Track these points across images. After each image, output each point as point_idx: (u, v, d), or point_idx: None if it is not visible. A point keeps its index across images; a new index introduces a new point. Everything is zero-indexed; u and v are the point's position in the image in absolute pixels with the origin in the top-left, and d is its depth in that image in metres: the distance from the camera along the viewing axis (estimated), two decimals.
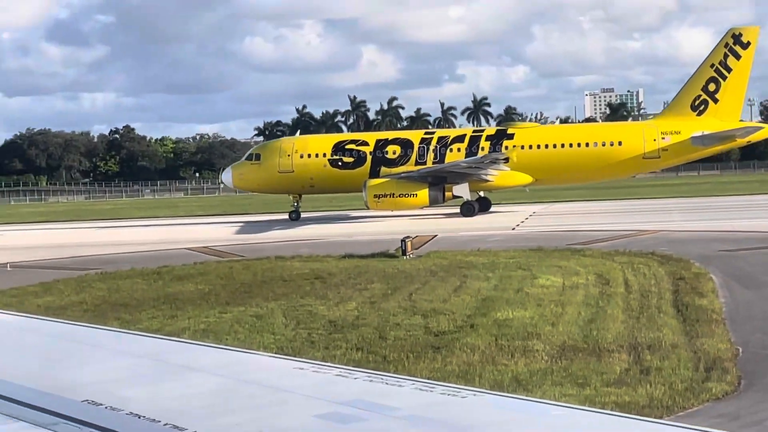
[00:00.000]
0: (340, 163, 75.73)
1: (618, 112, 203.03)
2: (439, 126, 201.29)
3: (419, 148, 77.50)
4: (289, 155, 77.58)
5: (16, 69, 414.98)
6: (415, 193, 71.53)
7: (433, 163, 74.50)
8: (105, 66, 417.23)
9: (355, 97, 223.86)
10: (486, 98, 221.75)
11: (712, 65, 75.66)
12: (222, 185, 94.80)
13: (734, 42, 76.24)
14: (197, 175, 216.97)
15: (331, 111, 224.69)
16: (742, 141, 79.36)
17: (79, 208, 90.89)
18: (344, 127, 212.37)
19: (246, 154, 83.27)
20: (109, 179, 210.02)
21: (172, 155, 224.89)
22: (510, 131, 79.20)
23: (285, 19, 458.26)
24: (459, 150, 76.21)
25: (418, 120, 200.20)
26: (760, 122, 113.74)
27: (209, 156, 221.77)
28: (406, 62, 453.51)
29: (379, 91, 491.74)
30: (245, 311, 24.88)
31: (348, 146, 78.37)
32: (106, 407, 3.43)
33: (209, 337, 21.18)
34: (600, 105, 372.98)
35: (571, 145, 76.10)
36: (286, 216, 73.17)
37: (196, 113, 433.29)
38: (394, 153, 77.11)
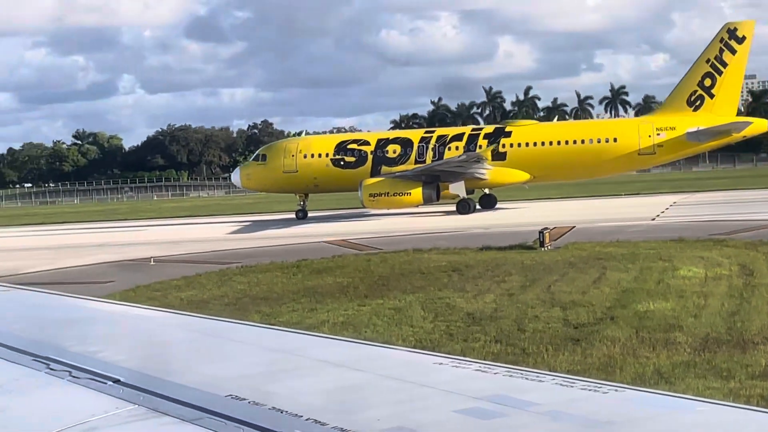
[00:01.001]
0: (342, 163, 77.14)
1: (760, 99, 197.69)
2: (576, 116, 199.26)
3: (419, 147, 78.78)
4: (293, 156, 79.27)
5: (158, 66, 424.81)
6: (409, 191, 72.73)
7: (432, 161, 75.25)
8: (243, 61, 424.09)
9: (491, 88, 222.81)
10: (624, 87, 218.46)
11: (708, 60, 75.24)
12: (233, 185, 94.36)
13: (729, 37, 75.64)
14: None
15: (467, 103, 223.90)
16: (738, 136, 78.22)
17: (219, 203, 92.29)
18: (480, 119, 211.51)
19: (253, 155, 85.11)
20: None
21: None
22: (508, 129, 79.39)
23: (421, 11, 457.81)
24: (457, 148, 76.87)
25: (554, 110, 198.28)
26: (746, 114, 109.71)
27: None
28: (543, 52, 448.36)
29: (515, 82, 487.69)
30: (383, 304, 24.98)
31: (350, 146, 79.48)
32: (249, 402, 3.47)
33: (348, 329, 21.34)
34: (742, 92, 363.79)
35: (567, 143, 76.54)
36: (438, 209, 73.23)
37: (333, 107, 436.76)
38: (395, 152, 78.43)
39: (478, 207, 73.25)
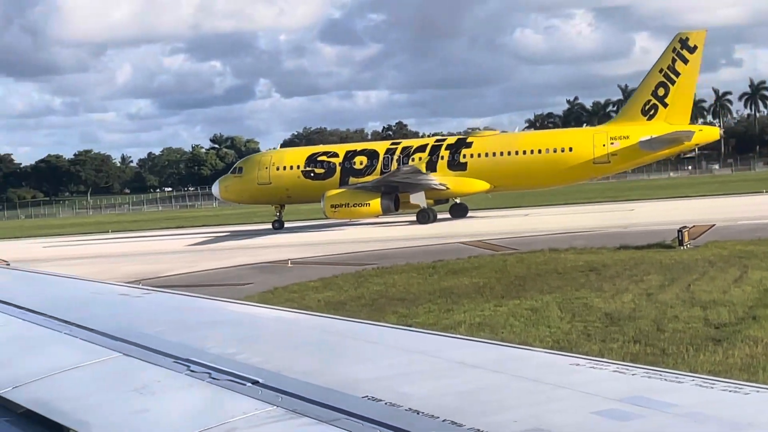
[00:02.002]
0: (312, 174, 79.86)
1: None
2: (713, 113, 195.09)
3: (384, 158, 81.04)
4: (266, 168, 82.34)
5: (293, 70, 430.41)
6: (368, 202, 74.83)
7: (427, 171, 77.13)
8: (378, 64, 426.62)
9: (626, 86, 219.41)
10: (764, 82, 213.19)
11: (661, 70, 76.30)
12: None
13: (681, 46, 76.82)
14: None
15: (602, 101, 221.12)
16: (690, 144, 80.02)
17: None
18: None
19: (231, 168, 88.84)
20: None
21: None
22: (469, 140, 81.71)
23: (556, 10, 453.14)
24: (420, 159, 79.39)
25: (692, 106, 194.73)
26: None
27: None
28: None
29: None
30: (520, 304, 24.84)
31: (320, 158, 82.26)
32: (386, 403, 3.49)
33: (485, 330, 21.29)
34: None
35: (524, 152, 78.31)
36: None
37: (467, 107, 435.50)
38: (361, 164, 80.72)
39: (448, 216, 76.17)
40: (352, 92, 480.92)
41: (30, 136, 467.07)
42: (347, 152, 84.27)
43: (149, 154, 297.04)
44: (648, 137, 75.20)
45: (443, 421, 3.25)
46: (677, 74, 76.40)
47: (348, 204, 75.81)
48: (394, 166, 79.08)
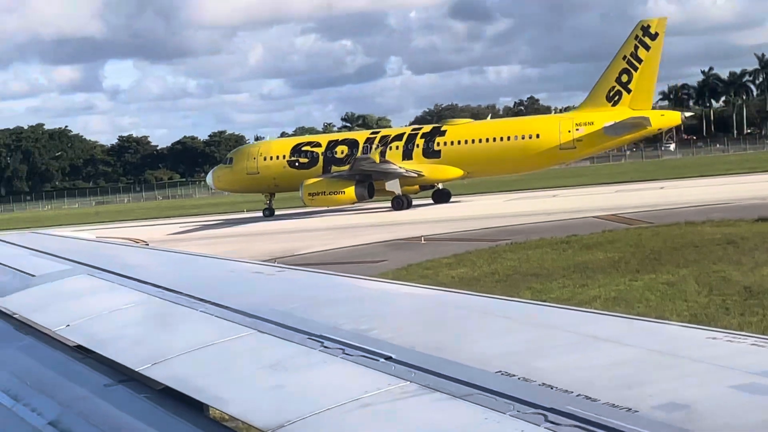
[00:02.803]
0: (296, 164, 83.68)
1: None
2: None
3: (363, 147, 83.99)
4: (254, 159, 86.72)
5: (424, 47, 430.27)
6: (343, 190, 78.30)
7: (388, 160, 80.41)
8: (509, 39, 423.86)
9: (763, 55, 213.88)
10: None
11: (624, 57, 78.60)
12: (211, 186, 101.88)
13: (643, 34, 78.71)
14: None
15: (738, 71, 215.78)
16: (653, 129, 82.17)
17: (487, 180, 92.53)
18: (753, 87, 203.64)
19: (224, 159, 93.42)
20: None
21: None
22: (443, 128, 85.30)
23: None
24: (397, 148, 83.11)
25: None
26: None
27: None
28: None
29: None
30: (656, 278, 24.46)
31: (304, 148, 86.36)
32: (519, 378, 3.47)
33: (620, 305, 21.03)
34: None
35: (494, 140, 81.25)
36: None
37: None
38: (342, 153, 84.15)
39: (430, 202, 79.29)
40: (483, 68, 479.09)
41: (166, 119, 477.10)
42: (329, 142, 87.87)
43: (282, 133, 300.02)
44: (611, 123, 77.20)
45: (577, 395, 3.22)
46: (640, 61, 78.33)
47: (324, 192, 79.35)
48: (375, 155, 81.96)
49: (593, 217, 45.94)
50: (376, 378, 3.71)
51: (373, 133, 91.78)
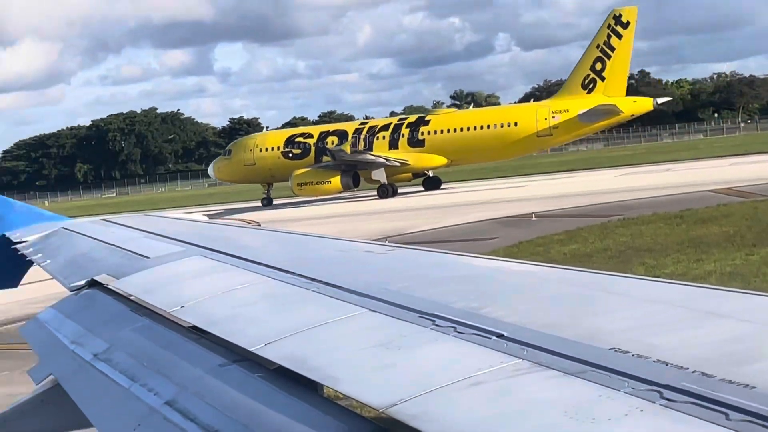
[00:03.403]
0: (290, 155, 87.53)
1: None
2: None
3: (352, 137, 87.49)
4: (251, 150, 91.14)
5: (533, 23, 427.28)
6: (329, 180, 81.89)
7: (363, 150, 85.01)
8: None
9: None
10: None
11: (598, 46, 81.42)
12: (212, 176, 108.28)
13: (616, 23, 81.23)
14: (716, 115, 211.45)
15: None
16: (626, 115, 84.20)
17: (597, 156, 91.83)
18: None
19: (224, 150, 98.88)
20: (626, 126, 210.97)
21: (689, 97, 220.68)
22: (427, 118, 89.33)
23: None
24: (384, 138, 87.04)
25: None
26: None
27: (727, 95, 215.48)
28: None
29: None
30: None
31: (297, 139, 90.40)
32: (633, 355, 3.43)
33: (736, 280, 20.67)
34: None
35: (475, 128, 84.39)
36: None
37: (713, 52, 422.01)
38: (333, 143, 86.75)
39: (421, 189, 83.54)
40: None
41: (276, 100, 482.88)
42: (320, 133, 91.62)
43: (391, 112, 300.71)
44: (585, 110, 79.98)
45: (692, 372, 3.17)
46: (613, 49, 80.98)
47: (312, 182, 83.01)
48: (361, 144, 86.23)
49: (707, 190, 45.18)
50: (488, 356, 3.69)
51: (361, 123, 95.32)
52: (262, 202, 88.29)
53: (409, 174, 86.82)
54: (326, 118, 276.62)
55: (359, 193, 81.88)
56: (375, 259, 6.27)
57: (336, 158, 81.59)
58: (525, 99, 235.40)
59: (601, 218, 36.89)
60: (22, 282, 11.60)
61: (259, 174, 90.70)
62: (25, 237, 11.06)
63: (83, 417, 5.05)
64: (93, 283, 7.39)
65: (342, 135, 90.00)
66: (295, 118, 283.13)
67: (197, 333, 5.25)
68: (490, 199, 59.55)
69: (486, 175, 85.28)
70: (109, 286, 7.07)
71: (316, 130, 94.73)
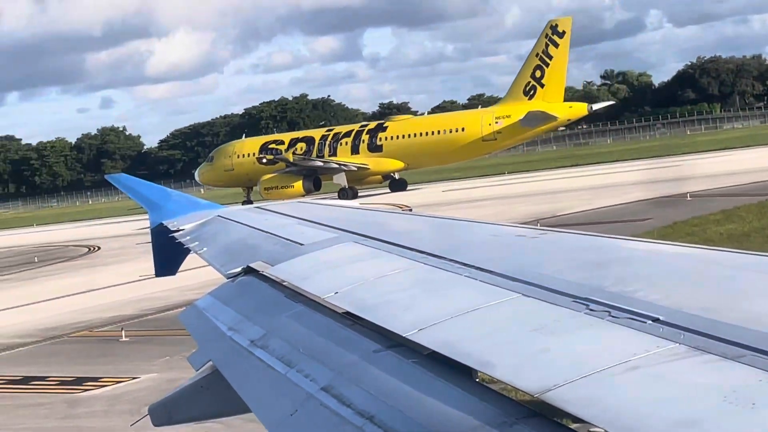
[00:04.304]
0: (264, 161, 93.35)
1: None
2: None
3: (319, 143, 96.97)
4: (230, 156, 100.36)
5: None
6: (292, 185, 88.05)
7: (328, 156, 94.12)
8: None
9: None
10: None
11: (537, 54, 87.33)
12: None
13: (552, 32, 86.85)
14: None
15: None
16: (563, 120, 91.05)
17: (756, 134, 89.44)
18: None
19: (207, 156, 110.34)
20: None
21: None
22: (385, 125, 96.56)
23: None
24: (347, 144, 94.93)
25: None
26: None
27: None
28: None
29: None
30: None
31: (270, 146, 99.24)
32: None
33: None
34: None
35: (427, 134, 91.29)
36: None
37: None
38: (301, 149, 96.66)
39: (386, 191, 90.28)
40: (748, 17, 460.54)
41: (425, 84, 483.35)
42: (291, 140, 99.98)
43: None
44: (523, 115, 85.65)
45: None
46: (550, 57, 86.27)
47: (277, 186, 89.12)
48: (326, 150, 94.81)
49: None
50: (644, 340, 3.64)
51: (328, 130, 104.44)
52: (242, 204, 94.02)
53: (379, 177, 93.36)
54: (475, 101, 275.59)
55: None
56: (527, 243, 6.23)
57: (287, 163, 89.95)
58: (678, 77, 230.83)
59: (760, 197, 35.95)
60: (180, 269, 11.88)
61: (238, 178, 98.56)
62: (182, 225, 11.31)
63: (242, 402, 5.15)
64: (248, 270, 7.52)
65: (310, 141, 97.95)
66: (444, 101, 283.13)
67: (351, 319, 5.30)
68: (643, 180, 58.57)
69: (639, 155, 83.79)
70: (264, 273, 7.18)
71: (287, 137, 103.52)
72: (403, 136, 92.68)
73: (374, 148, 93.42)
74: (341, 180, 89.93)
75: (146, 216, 12.63)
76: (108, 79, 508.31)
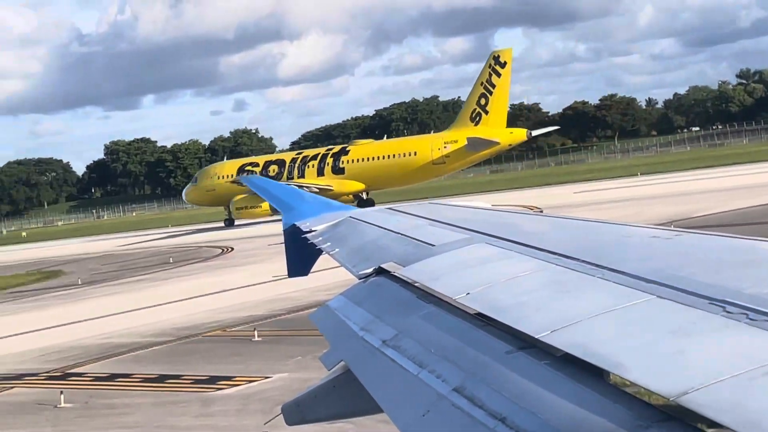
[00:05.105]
0: (239, 182, 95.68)
1: None
2: None
3: (289, 166, 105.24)
4: (211, 177, 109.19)
5: None
6: (260, 205, 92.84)
7: (297, 177, 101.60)
8: None
9: None
10: None
11: (482, 83, 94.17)
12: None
13: (495, 63, 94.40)
14: None
15: None
16: (505, 145, 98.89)
17: None
18: None
19: (192, 178, 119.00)
20: None
21: None
22: (348, 149, 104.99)
23: None
24: (313, 166, 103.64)
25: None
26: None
27: None
28: None
29: None
30: None
31: (246, 168, 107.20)
32: None
33: None
34: None
35: (384, 158, 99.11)
36: None
37: None
38: (274, 171, 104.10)
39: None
40: None
41: (556, 84, 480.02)
42: (265, 162, 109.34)
43: (675, 94, 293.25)
44: (467, 141, 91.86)
45: None
46: (493, 86, 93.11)
47: (247, 206, 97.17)
48: (295, 172, 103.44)
49: None
50: None
51: (297, 153, 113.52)
52: (224, 222, 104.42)
53: (350, 196, 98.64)
54: (607, 101, 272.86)
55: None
56: (661, 244, 6.14)
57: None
58: None
59: None
60: (311, 270, 12.01)
61: (219, 198, 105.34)
62: (314, 226, 11.43)
63: (373, 402, 5.18)
64: (380, 271, 7.56)
65: (281, 164, 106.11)
66: (575, 102, 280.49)
67: (483, 320, 5.29)
68: None
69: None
70: (395, 274, 7.22)
71: (261, 160, 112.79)
72: (363, 160, 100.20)
73: (338, 170, 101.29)
74: None
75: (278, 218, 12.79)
76: (241, 81, 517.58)
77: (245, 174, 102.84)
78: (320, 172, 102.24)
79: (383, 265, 7.56)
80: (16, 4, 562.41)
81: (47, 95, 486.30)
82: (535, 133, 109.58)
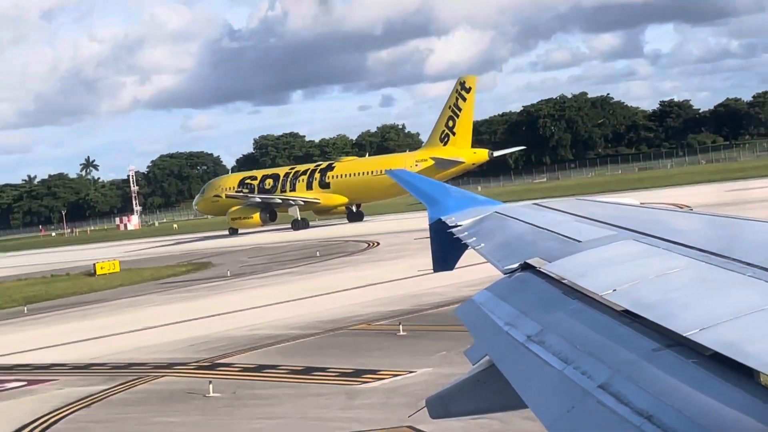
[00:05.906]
0: (240, 194, 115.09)
1: None
2: None
3: (282, 180, 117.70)
4: (216, 189, 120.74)
5: None
6: (251, 216, 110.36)
7: (289, 191, 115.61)
8: None
9: None
10: None
11: (450, 107, 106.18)
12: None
13: (461, 88, 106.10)
14: None
15: None
16: (469, 164, 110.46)
17: None
18: None
19: (201, 189, 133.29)
20: None
21: None
22: (334, 165, 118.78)
23: None
24: (303, 181, 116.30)
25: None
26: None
27: None
28: None
29: None
30: None
31: (246, 181, 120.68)
32: None
33: None
34: None
35: (364, 173, 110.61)
36: None
37: None
38: (269, 184, 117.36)
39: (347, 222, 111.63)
40: None
41: (707, 81, 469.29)
42: (262, 176, 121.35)
43: None
44: (435, 161, 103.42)
45: None
46: (459, 110, 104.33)
47: (240, 217, 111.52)
48: (288, 186, 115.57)
49: None
50: None
51: (291, 168, 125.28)
52: (229, 231, 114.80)
53: (343, 207, 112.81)
54: (760, 99, 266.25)
55: None
56: None
57: (238, 198, 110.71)
58: None
59: None
60: (457, 265, 12.01)
61: (223, 208, 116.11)
62: (460, 221, 11.42)
63: (517, 398, 5.18)
64: (525, 266, 7.54)
65: (276, 178, 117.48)
66: (728, 99, 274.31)
67: (629, 317, 5.24)
68: None
69: None
70: (541, 269, 7.18)
71: (259, 174, 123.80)
72: (347, 175, 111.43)
73: (324, 185, 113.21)
74: (295, 212, 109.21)
75: (425, 212, 12.84)
76: (388, 77, 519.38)
77: (245, 187, 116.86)
78: (309, 186, 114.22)
79: (529, 261, 7.53)
80: (172, 1, 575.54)
81: (199, 90, 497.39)
82: (496, 153, 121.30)
